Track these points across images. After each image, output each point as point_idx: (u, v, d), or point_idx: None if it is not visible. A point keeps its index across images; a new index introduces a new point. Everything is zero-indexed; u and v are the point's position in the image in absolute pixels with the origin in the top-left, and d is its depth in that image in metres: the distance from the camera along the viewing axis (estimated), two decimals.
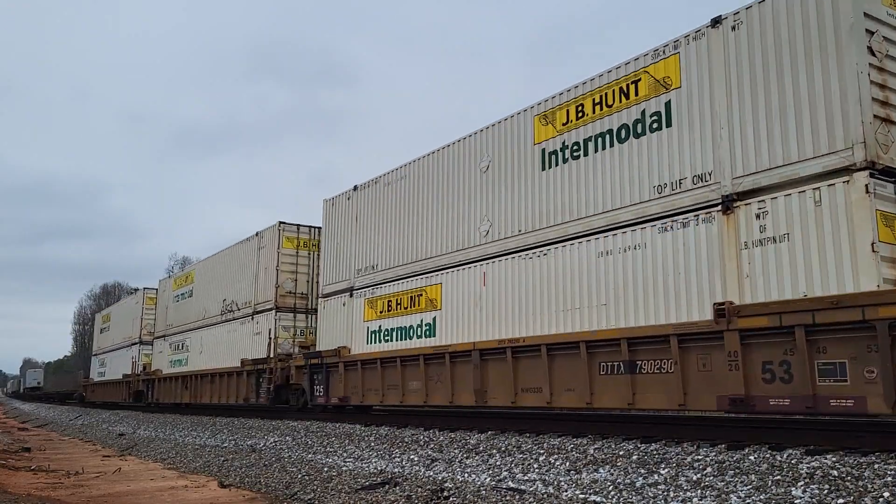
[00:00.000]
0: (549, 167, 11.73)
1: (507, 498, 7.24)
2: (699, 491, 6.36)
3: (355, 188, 17.25)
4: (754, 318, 8.11)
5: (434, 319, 13.91)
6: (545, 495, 7.09)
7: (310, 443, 12.86)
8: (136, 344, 33.89)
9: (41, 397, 69.34)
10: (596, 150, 10.95)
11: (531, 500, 7.06)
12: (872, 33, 7.97)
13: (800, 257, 8.09)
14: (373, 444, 11.61)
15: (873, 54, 7.94)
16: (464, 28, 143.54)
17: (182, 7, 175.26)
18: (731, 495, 6.07)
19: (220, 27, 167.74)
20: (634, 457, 7.74)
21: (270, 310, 20.06)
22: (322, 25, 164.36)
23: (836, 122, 7.86)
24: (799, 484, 5.95)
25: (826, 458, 6.42)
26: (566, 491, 7.15)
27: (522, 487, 7.52)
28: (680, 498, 6.32)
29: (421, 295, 14.41)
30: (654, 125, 10.08)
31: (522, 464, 8.45)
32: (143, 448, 16.50)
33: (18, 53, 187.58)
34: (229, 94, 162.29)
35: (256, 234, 21.76)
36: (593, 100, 11.13)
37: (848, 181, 7.69)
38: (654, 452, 7.76)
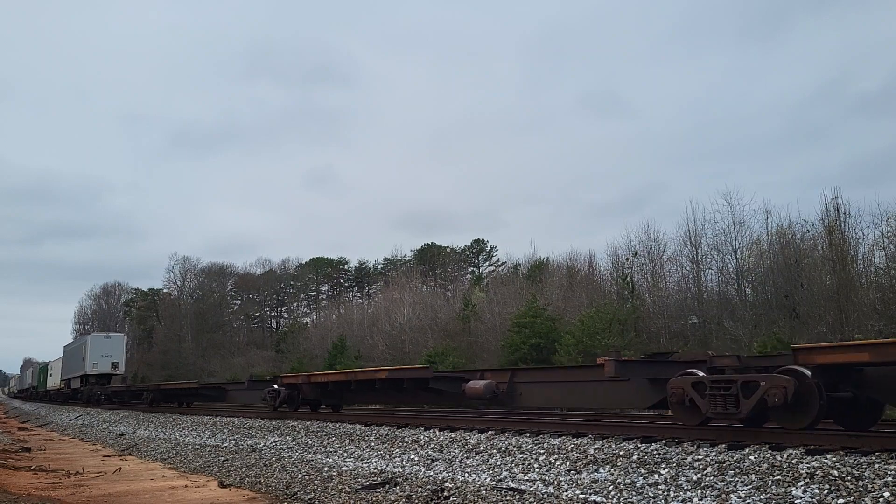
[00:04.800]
0: None
1: (508, 498, 7.24)
2: (699, 491, 6.36)
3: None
4: None
5: None
6: (545, 495, 7.10)
7: (310, 443, 12.85)
8: None
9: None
10: None
11: (531, 499, 7.06)
12: None
13: None
14: (373, 444, 11.60)
15: None
16: (462, 27, 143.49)
17: (179, 7, 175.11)
18: (732, 495, 6.07)
19: (216, 26, 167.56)
20: (634, 457, 7.73)
21: None
22: (319, 25, 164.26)
23: None
24: (799, 484, 5.95)
25: (826, 458, 6.41)
26: (566, 491, 7.15)
27: (523, 487, 7.52)
28: (680, 498, 6.32)
29: None
30: None
31: (522, 464, 8.45)
32: (143, 448, 16.50)
33: (18, 53, 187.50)
34: (227, 94, 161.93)
35: None
36: None
37: None
38: (655, 452, 7.75)
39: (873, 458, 6.26)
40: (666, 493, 6.49)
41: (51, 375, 55.25)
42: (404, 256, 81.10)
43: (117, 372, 41.83)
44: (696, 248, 34.87)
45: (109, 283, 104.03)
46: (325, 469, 10.22)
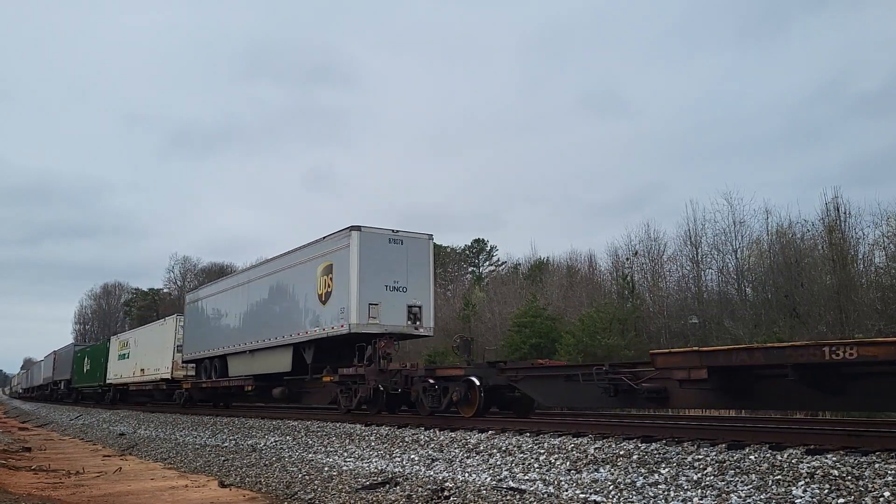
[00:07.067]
0: None
1: (508, 497, 7.24)
2: (699, 490, 6.36)
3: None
4: None
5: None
6: (545, 495, 7.10)
7: (310, 442, 12.86)
8: None
9: None
10: None
11: (532, 499, 7.07)
12: None
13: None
14: (373, 443, 11.60)
15: None
16: (462, 27, 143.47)
17: (179, 7, 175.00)
18: (732, 495, 6.07)
19: (216, 26, 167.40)
20: (635, 456, 7.73)
21: None
22: (319, 25, 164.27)
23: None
24: (799, 483, 5.95)
25: (826, 458, 6.41)
26: (566, 490, 7.15)
27: (523, 487, 7.52)
28: (680, 497, 6.32)
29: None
30: None
31: (523, 463, 8.45)
32: (144, 448, 16.51)
33: (18, 53, 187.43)
34: (227, 94, 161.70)
35: None
36: None
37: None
38: (655, 452, 7.75)
39: (873, 457, 6.27)
40: (666, 493, 6.49)
41: (125, 357, 31.21)
42: None
43: (420, 331, 17.04)
44: (696, 247, 34.92)
45: (110, 282, 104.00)
46: (326, 469, 10.23)
